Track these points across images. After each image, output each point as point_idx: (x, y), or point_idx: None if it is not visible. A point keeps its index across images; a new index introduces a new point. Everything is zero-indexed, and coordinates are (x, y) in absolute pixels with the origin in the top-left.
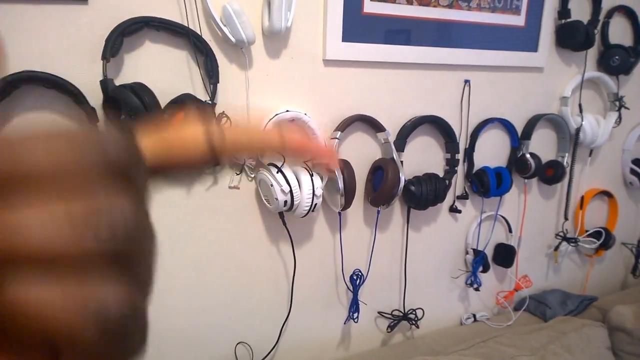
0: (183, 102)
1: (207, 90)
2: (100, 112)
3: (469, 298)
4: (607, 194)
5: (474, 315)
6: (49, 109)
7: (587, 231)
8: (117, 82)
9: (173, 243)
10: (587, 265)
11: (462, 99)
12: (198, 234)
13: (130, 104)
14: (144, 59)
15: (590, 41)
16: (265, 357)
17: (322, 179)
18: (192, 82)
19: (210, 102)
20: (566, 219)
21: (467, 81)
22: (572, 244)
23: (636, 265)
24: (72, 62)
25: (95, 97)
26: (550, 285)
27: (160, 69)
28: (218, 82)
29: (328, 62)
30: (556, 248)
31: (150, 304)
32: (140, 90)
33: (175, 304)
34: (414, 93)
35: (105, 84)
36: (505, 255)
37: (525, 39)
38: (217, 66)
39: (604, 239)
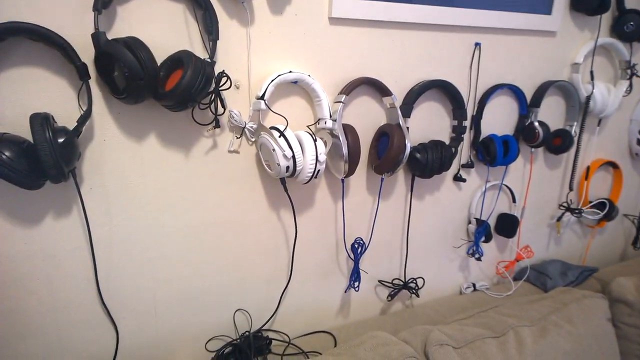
0: (180, 59)
1: (206, 48)
2: (92, 68)
3: (469, 267)
4: (612, 164)
5: (474, 285)
6: (36, 65)
7: (590, 202)
8: (110, 37)
9: (170, 208)
10: (588, 236)
11: (471, 63)
12: (196, 199)
13: (124, 59)
14: (139, 12)
15: (605, 5)
16: (264, 324)
17: (325, 144)
18: (189, 39)
19: (209, 60)
20: (571, 189)
21: (477, 44)
22: (575, 215)
23: (637, 237)
24: (61, 13)
25: (86, 51)
26: (551, 255)
27: (156, 23)
28: (218, 38)
29: (334, 21)
30: (559, 219)
31: (148, 269)
32: (135, 46)
33: (173, 270)
34: (422, 56)
35: (97, 37)
36: (508, 225)
37: (539, 1)
38: (217, 21)
39: (608, 210)
